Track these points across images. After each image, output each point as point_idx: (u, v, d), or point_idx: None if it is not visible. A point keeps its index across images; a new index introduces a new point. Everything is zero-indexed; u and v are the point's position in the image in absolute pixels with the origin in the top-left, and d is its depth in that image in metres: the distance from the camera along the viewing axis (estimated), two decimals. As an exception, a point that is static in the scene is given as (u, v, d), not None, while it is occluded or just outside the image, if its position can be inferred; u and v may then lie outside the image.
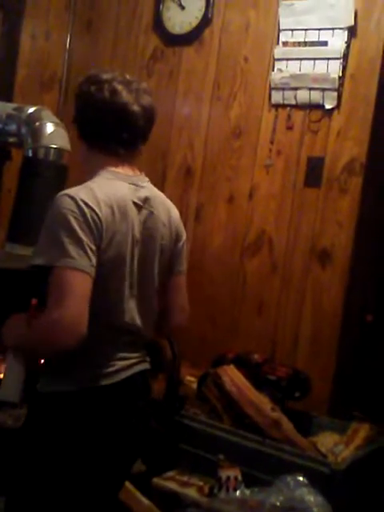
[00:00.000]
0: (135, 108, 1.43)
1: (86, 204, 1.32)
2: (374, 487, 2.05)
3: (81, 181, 1.43)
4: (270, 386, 2.13)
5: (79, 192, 1.35)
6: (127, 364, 1.43)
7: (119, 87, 1.42)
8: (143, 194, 1.46)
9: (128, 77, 1.48)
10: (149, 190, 1.50)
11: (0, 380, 1.49)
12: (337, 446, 2.00)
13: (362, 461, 1.95)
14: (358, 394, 2.37)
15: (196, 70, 2.66)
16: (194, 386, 2.22)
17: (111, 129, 1.44)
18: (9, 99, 2.66)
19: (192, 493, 1.88)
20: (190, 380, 2.29)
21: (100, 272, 1.33)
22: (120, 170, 1.45)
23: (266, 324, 2.45)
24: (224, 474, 1.82)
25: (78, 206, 1.31)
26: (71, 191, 1.35)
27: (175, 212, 1.58)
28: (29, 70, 2.83)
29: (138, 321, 1.46)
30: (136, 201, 1.43)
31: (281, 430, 1.94)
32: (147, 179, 1.52)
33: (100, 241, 1.33)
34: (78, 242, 1.29)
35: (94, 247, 1.31)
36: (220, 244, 2.58)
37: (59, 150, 2.24)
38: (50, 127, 2.26)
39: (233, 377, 2.06)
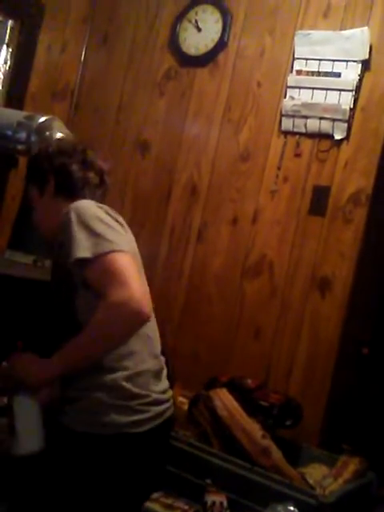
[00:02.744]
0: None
1: (97, 204, 1.43)
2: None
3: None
4: (262, 412, 2.11)
5: (84, 202, 1.44)
6: (161, 410, 1.41)
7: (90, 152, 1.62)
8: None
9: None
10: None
11: (13, 430, 1.33)
12: (325, 478, 1.97)
13: (349, 495, 1.93)
14: (350, 427, 2.35)
15: (208, 92, 2.68)
16: (185, 407, 2.20)
17: (87, 184, 1.56)
18: (20, 108, 2.67)
19: (176, 516, 1.85)
20: (182, 401, 2.27)
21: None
22: None
23: (261, 349, 2.44)
24: (210, 499, 1.80)
25: (95, 203, 1.43)
26: (78, 202, 1.43)
27: None
28: (42, 80, 2.85)
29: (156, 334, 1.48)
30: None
31: (270, 458, 1.92)
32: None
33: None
34: (112, 228, 1.36)
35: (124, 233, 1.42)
36: (221, 265, 2.58)
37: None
38: (59, 137, 2.26)
39: (225, 401, 2.04)
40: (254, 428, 1.98)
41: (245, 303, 2.50)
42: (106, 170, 1.62)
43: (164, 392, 1.47)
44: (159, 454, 1.45)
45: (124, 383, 1.33)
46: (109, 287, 1.26)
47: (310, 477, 1.94)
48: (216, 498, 1.80)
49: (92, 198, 1.49)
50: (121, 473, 1.33)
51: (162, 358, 1.51)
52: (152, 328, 1.46)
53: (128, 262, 1.30)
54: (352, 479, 1.98)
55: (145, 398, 1.37)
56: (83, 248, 1.30)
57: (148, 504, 1.90)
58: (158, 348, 1.49)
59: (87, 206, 1.40)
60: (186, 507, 1.88)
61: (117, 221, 1.43)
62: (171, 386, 2.14)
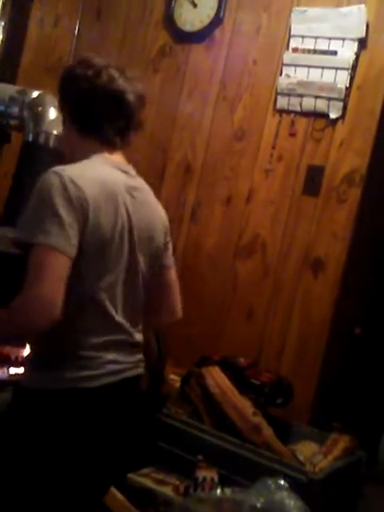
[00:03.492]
0: (131, 97, 1.41)
1: (72, 182, 1.28)
2: (348, 499, 2.04)
3: None
4: (253, 390, 2.12)
5: (67, 170, 1.32)
6: (118, 368, 1.39)
7: (116, 74, 1.41)
8: (134, 183, 1.45)
9: (120, 64, 1.47)
10: (139, 180, 1.49)
11: None
12: (315, 455, 1.99)
13: (339, 472, 1.95)
14: (340, 406, 2.37)
15: (203, 69, 2.65)
16: (177, 385, 2.21)
17: (108, 116, 1.41)
18: (12, 82, 2.64)
19: (167, 491, 1.86)
20: (173, 379, 2.27)
21: (86, 256, 1.30)
22: (111, 156, 1.44)
23: (253, 328, 2.45)
24: (201, 474, 1.81)
25: (64, 184, 1.28)
26: (60, 168, 1.32)
27: (161, 208, 1.58)
28: (34, 54, 2.81)
29: (125, 312, 1.42)
30: (128, 189, 1.41)
31: (261, 434, 1.93)
32: (135, 170, 1.51)
33: (85, 222, 1.29)
34: (60, 221, 1.25)
35: (76, 227, 1.27)
36: (214, 245, 2.57)
37: (60, 137, 2.21)
38: (52, 113, 2.24)
39: (217, 378, 2.05)
40: (246, 405, 1.99)
41: (237, 283, 2.50)
42: (138, 94, 1.44)
43: (123, 362, 1.43)
44: (119, 412, 1.42)
45: (76, 347, 1.33)
46: (25, 279, 1.25)
47: (300, 454, 1.96)
48: (207, 474, 1.81)
49: (109, 139, 1.40)
50: (77, 429, 1.32)
51: (135, 334, 1.47)
52: (115, 302, 1.39)
53: (53, 261, 1.24)
54: (342, 457, 2.00)
55: (97, 359, 1.35)
56: (21, 230, 1.29)
57: (139, 479, 1.92)
58: (125, 323, 1.43)
59: (52, 182, 1.28)
60: (178, 482, 1.89)
61: (80, 201, 1.28)
62: (163, 364, 2.17)
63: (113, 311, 1.39)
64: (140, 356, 1.48)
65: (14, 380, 1.69)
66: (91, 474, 1.38)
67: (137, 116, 1.45)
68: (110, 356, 1.37)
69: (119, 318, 1.41)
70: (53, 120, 2.23)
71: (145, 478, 1.92)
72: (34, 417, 1.32)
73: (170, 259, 1.59)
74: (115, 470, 1.49)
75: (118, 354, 1.39)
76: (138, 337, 1.48)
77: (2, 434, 1.37)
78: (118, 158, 1.45)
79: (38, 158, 2.21)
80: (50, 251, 1.23)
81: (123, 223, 1.38)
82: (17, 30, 2.72)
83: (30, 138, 2.22)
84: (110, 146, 1.44)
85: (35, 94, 2.27)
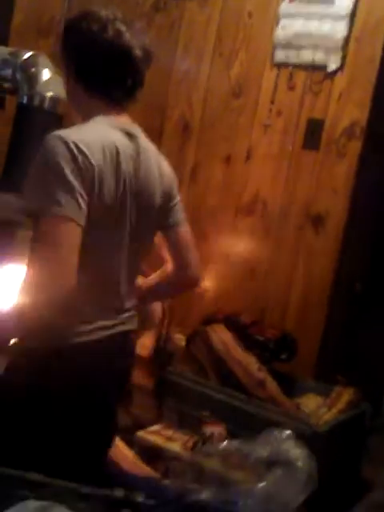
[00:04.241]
0: (138, 52, 1.34)
1: (77, 147, 1.23)
2: (353, 451, 2.08)
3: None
4: (258, 346, 2.15)
5: (71, 134, 1.26)
6: (107, 324, 1.37)
7: (123, 28, 1.33)
8: (137, 143, 1.39)
9: (126, 17, 1.37)
10: (143, 139, 1.43)
11: None
12: (320, 408, 2.03)
13: (343, 424, 1.99)
14: (344, 360, 2.39)
15: (198, 24, 2.58)
16: (182, 343, 2.23)
17: (114, 73, 1.35)
18: (4, 44, 2.58)
19: (176, 447, 1.90)
20: (179, 338, 2.30)
21: (89, 222, 1.26)
22: (117, 116, 1.38)
23: (256, 286, 2.45)
24: (208, 429, 1.85)
25: (70, 150, 1.22)
26: (63, 132, 1.26)
27: (167, 165, 1.51)
28: (26, 14, 2.74)
29: (125, 278, 1.39)
30: (130, 150, 1.36)
31: (266, 389, 1.96)
32: (141, 130, 1.45)
33: (91, 187, 1.26)
34: (69, 189, 1.21)
35: (84, 194, 1.24)
36: (215, 204, 2.56)
37: (55, 98, 2.18)
38: (46, 74, 2.19)
39: (221, 336, 2.07)
40: (250, 361, 2.02)
41: (239, 241, 2.50)
42: (145, 49, 1.36)
43: (113, 320, 1.41)
44: (111, 366, 1.40)
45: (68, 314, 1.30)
46: (39, 251, 1.23)
47: (305, 407, 1.99)
48: (215, 429, 1.85)
49: (116, 98, 1.35)
50: (68, 385, 1.32)
51: (129, 301, 1.44)
52: (116, 270, 1.38)
53: (66, 231, 1.21)
54: (346, 409, 2.03)
55: (88, 323, 1.34)
56: (30, 201, 1.24)
57: (148, 436, 1.96)
58: (123, 289, 1.40)
59: (57, 148, 1.22)
60: (186, 438, 1.93)
61: (86, 166, 1.24)
62: (168, 324, 2.19)
63: (112, 279, 1.38)
64: (129, 313, 1.45)
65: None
66: (88, 428, 1.38)
67: (143, 72, 1.38)
68: (101, 314, 1.37)
69: (118, 285, 1.40)
70: (47, 81, 2.19)
71: (153, 435, 1.97)
72: (25, 375, 1.32)
73: (178, 218, 1.53)
74: (104, 425, 1.47)
75: (107, 317, 1.38)
76: (132, 302, 1.47)
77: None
78: (123, 118, 1.40)
79: (33, 120, 2.18)
80: (64, 222, 1.21)
81: (125, 188, 1.34)
82: (6, -10, 2.65)
83: (25, 101, 2.18)
84: (116, 105, 1.38)
85: (28, 55, 2.21)
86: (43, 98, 2.17)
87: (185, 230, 1.55)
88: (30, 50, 2.24)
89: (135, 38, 1.34)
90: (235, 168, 2.51)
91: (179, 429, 2.00)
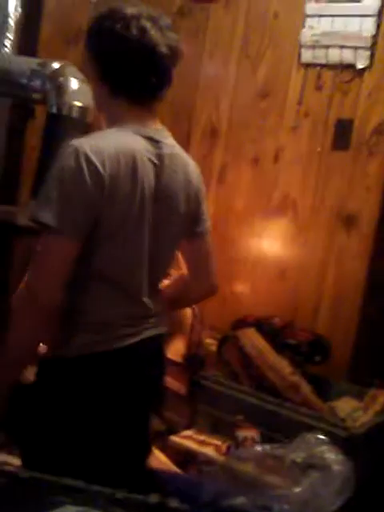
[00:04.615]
0: (164, 50, 1.30)
1: (87, 159, 1.22)
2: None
3: None
4: (290, 350, 2.13)
5: (86, 143, 1.25)
6: (133, 331, 1.35)
7: (148, 25, 1.28)
8: (161, 149, 1.35)
9: (153, 12, 1.32)
10: (168, 145, 1.39)
11: None
12: (355, 411, 2.00)
13: (380, 426, 1.95)
14: (378, 362, 2.35)
15: (223, 28, 2.58)
16: (214, 348, 2.23)
17: (138, 72, 1.31)
18: (33, 55, 2.62)
19: (209, 452, 1.90)
20: (210, 343, 2.30)
21: (103, 231, 1.27)
22: (141, 120, 1.35)
23: (287, 288, 2.43)
24: (241, 434, 1.84)
25: (78, 162, 1.22)
26: (79, 142, 1.25)
27: (195, 170, 1.47)
28: (54, 25, 2.78)
29: (147, 287, 1.38)
30: (151, 157, 1.33)
31: (299, 393, 1.94)
32: (168, 134, 1.41)
33: (103, 196, 1.24)
34: (69, 201, 1.21)
35: (87, 206, 1.23)
36: (243, 206, 2.55)
37: (83, 108, 2.21)
38: (74, 83, 2.22)
39: (253, 340, 2.06)
40: (283, 365, 2.00)
41: (269, 243, 2.48)
42: (173, 46, 1.31)
43: (139, 326, 1.39)
44: (142, 372, 1.39)
45: (90, 318, 1.33)
46: (31, 263, 1.27)
47: (340, 410, 1.96)
48: (248, 433, 1.84)
49: (141, 98, 1.33)
50: (100, 393, 1.32)
51: (153, 306, 1.41)
52: (136, 278, 1.36)
53: (55, 247, 1.24)
54: (382, 411, 2.00)
55: (111, 326, 1.34)
56: (36, 209, 1.24)
57: (181, 441, 1.96)
58: (138, 294, 1.38)
59: (67, 158, 1.22)
60: (219, 443, 1.92)
61: (94, 177, 1.23)
62: (197, 327, 2.18)
63: (133, 285, 1.36)
64: (156, 318, 1.43)
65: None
66: (122, 434, 1.38)
67: (170, 70, 1.35)
68: (126, 321, 1.36)
69: (140, 291, 1.38)
70: (75, 90, 2.22)
71: (186, 440, 1.97)
72: (53, 385, 1.33)
73: (204, 227, 1.50)
74: (137, 432, 1.46)
75: (133, 322, 1.37)
76: (158, 307, 1.44)
77: (30, 399, 1.38)
78: (150, 121, 1.36)
79: (62, 129, 2.21)
80: (56, 236, 1.22)
81: (144, 195, 1.32)
82: (35, 2, 2.68)
83: (54, 110, 2.21)
84: (143, 106, 1.35)
85: (56, 65, 2.25)
86: (72, 106, 2.20)
87: (208, 240, 1.52)
88: (58, 61, 2.28)
89: (161, 35, 1.30)
90: (263, 170, 2.50)
91: (212, 433, 2.00)
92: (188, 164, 1.45)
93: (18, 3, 2.63)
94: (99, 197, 1.25)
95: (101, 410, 1.33)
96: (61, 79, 2.22)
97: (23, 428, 1.41)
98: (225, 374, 2.09)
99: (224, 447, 1.91)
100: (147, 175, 1.32)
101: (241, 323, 2.23)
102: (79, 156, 1.23)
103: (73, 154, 1.23)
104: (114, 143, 1.29)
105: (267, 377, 1.98)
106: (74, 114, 2.22)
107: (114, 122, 1.36)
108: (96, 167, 1.23)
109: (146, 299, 1.39)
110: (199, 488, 1.31)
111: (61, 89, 2.22)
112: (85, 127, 2.22)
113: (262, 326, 2.17)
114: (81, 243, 1.25)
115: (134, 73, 1.32)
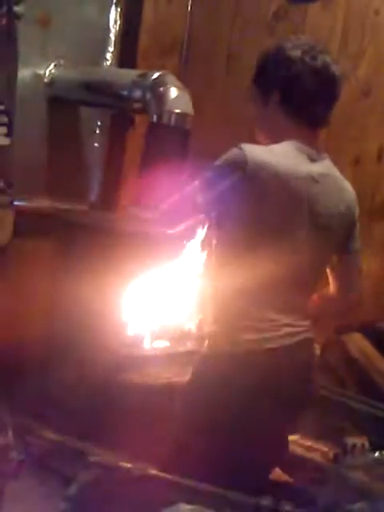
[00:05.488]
0: (339, 78, 1.47)
1: (245, 160, 1.34)
2: None
3: (203, 146, 1.45)
4: (399, 355, 2.05)
5: (253, 150, 1.38)
6: (293, 331, 1.43)
7: (328, 59, 1.46)
8: (319, 169, 1.45)
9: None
10: (325, 166, 1.48)
11: None
12: None
13: None
14: None
15: (322, 27, 2.54)
16: (318, 352, 2.18)
17: (321, 100, 1.45)
18: (132, 66, 2.70)
19: (317, 458, 1.86)
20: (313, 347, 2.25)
21: (257, 235, 1.36)
22: (307, 140, 1.45)
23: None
24: (351, 441, 1.79)
25: (239, 162, 1.35)
26: (247, 146, 1.38)
27: (350, 192, 1.54)
28: (151, 36, 2.85)
29: (302, 295, 1.46)
30: (311, 175, 1.42)
31: (411, 400, 1.86)
32: (326, 156, 1.51)
33: (254, 199, 1.35)
34: (209, 190, 1.38)
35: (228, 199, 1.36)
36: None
37: (183, 115, 2.24)
38: (173, 92, 2.26)
39: (360, 344, 2.00)
40: (393, 371, 1.93)
41: (374, 245, 2.41)
42: (342, 76, 1.50)
43: (297, 325, 1.46)
44: (297, 372, 1.44)
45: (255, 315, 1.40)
46: None
47: None
48: (357, 441, 1.78)
49: (316, 120, 1.46)
50: (259, 389, 1.36)
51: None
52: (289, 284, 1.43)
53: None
54: None
55: (276, 322, 1.41)
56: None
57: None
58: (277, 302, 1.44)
59: (230, 154, 1.40)
60: (326, 449, 1.88)
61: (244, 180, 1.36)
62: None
63: (292, 283, 1.43)
64: (311, 321, 1.51)
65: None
66: (266, 436, 1.40)
67: (338, 97, 1.50)
68: (286, 320, 1.41)
69: (300, 289, 1.46)
70: (174, 99, 2.26)
71: (292, 445, 1.93)
72: (216, 379, 1.39)
73: (356, 246, 1.56)
74: (289, 428, 1.54)
75: (293, 318, 1.43)
76: (308, 308, 1.51)
77: (187, 395, 1.46)
78: (313, 140, 1.47)
79: (162, 136, 2.26)
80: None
81: (296, 207, 1.40)
82: (133, 14, 2.76)
83: (155, 119, 2.26)
84: (313, 129, 1.47)
85: (156, 75, 2.30)
86: (171, 114, 2.24)
87: (359, 258, 1.58)
88: (157, 71, 2.34)
89: (336, 67, 1.48)
90: (366, 169, 2.43)
91: (318, 439, 1.96)
92: (344, 187, 1.54)
93: (118, 17, 2.73)
94: (250, 197, 1.38)
95: (257, 405, 1.38)
96: (161, 89, 2.27)
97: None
98: (330, 380, 2.05)
99: (331, 454, 1.86)
100: (301, 189, 1.41)
101: (345, 327, 2.17)
102: (245, 157, 1.36)
103: (239, 153, 1.38)
104: (277, 157, 1.39)
105: (376, 382, 1.91)
106: (173, 121, 2.26)
107: (280, 139, 1.45)
108: (248, 170, 1.36)
109: (303, 297, 1.49)
110: (313, 494, 1.29)
111: (161, 98, 2.26)
112: (185, 134, 2.26)
113: (369, 329, 2.11)
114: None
115: (317, 100, 1.46)
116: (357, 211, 1.55)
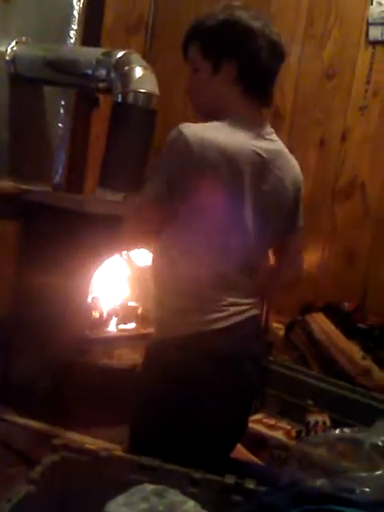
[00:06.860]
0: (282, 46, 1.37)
1: (187, 143, 1.26)
2: None
3: (167, 126, 1.38)
4: (361, 334, 2.09)
5: (194, 130, 1.29)
6: (239, 310, 1.40)
7: (274, 29, 1.36)
8: (267, 145, 1.38)
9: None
10: (273, 142, 1.41)
11: None
12: None
13: None
14: None
15: (288, 7, 2.53)
16: (281, 333, 2.22)
17: (273, 74, 1.38)
18: (97, 45, 2.65)
19: (279, 436, 1.89)
20: (277, 327, 2.29)
21: (200, 210, 1.32)
22: (251, 115, 1.38)
23: (356, 272, 2.39)
24: (312, 418, 1.83)
25: (181, 143, 1.27)
26: (185, 127, 1.29)
27: (297, 169, 1.49)
28: (116, 14, 2.80)
29: (245, 273, 1.42)
30: (257, 151, 1.35)
31: (371, 378, 1.91)
32: (273, 131, 1.43)
33: (201, 179, 1.29)
34: (163, 177, 1.32)
35: (179, 183, 1.31)
36: (310, 189, 2.49)
37: (148, 95, 2.22)
38: (138, 71, 2.23)
39: (322, 324, 2.04)
40: (354, 350, 1.97)
41: (337, 226, 2.44)
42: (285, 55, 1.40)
43: (243, 304, 1.43)
44: (246, 349, 1.42)
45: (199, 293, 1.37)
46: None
47: (414, 396, 1.92)
48: (319, 418, 1.82)
49: (269, 97, 1.39)
50: (209, 370, 1.35)
51: (250, 282, 1.46)
52: (233, 257, 1.40)
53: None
54: None
55: (220, 301, 1.38)
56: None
57: (250, 425, 1.96)
58: (247, 269, 1.43)
59: (174, 142, 1.29)
60: (289, 427, 1.92)
61: (189, 162, 1.28)
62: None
63: (241, 262, 1.41)
64: (256, 298, 1.48)
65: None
66: (221, 417, 1.39)
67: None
68: (232, 299, 1.39)
69: (248, 267, 1.43)
70: (139, 78, 2.23)
71: (256, 424, 1.97)
72: (166, 363, 1.36)
73: (299, 223, 1.53)
74: (241, 411, 1.49)
75: (238, 296, 1.41)
76: (252, 285, 1.47)
77: (139, 381, 1.43)
78: (259, 117, 1.40)
79: (128, 117, 2.23)
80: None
81: (247, 189, 1.35)
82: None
83: (119, 99, 2.23)
84: (263, 104, 1.40)
85: (120, 54, 2.26)
86: (137, 95, 2.21)
87: (300, 236, 1.55)
88: (122, 49, 2.30)
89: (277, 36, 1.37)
90: (330, 152, 2.45)
91: (281, 418, 1.99)
92: (294, 164, 1.48)
93: (82, -6, 2.67)
94: (197, 178, 1.31)
95: (210, 390, 1.36)
96: (126, 68, 2.23)
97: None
98: (293, 359, 2.08)
99: (294, 431, 1.90)
100: (251, 170, 1.34)
101: (309, 307, 2.21)
102: (181, 137, 1.28)
103: (181, 136, 1.28)
104: (222, 135, 1.31)
105: (338, 362, 1.95)
106: (140, 101, 2.23)
107: (224, 115, 1.36)
108: (193, 151, 1.28)
109: (248, 275, 1.44)
110: (275, 472, 1.31)
111: (126, 77, 2.23)
112: (151, 114, 2.24)
113: (332, 309, 2.14)
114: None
115: (271, 74, 1.38)
116: (302, 189, 1.50)
